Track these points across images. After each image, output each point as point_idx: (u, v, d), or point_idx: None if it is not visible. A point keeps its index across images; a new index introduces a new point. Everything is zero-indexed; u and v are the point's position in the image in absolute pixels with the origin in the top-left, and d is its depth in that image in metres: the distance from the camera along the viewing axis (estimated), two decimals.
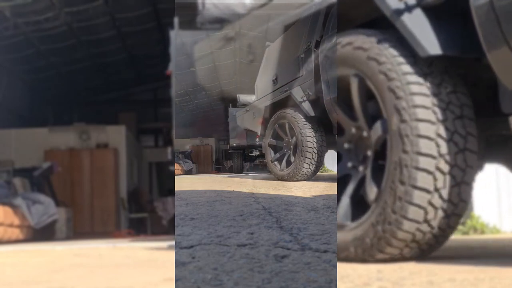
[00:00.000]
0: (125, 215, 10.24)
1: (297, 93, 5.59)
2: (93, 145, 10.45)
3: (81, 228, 9.07)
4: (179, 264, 1.48)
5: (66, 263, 3.08)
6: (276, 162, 6.27)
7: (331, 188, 4.34)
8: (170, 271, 1.97)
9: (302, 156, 5.41)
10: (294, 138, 5.70)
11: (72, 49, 11.58)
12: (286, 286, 1.22)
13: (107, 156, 10.25)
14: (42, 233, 6.79)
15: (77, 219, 8.68)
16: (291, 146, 5.89)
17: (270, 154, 6.43)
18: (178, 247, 1.74)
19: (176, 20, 11.61)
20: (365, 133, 1.76)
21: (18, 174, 7.56)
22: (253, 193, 4.14)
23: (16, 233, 6.28)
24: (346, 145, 1.89)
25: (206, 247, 1.74)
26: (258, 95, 7.64)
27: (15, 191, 6.92)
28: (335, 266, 1.40)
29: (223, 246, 1.75)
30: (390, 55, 1.59)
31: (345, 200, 1.80)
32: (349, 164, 1.85)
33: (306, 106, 5.46)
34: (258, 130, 7.33)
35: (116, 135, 10.62)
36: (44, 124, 11.58)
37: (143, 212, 10.16)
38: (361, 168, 1.80)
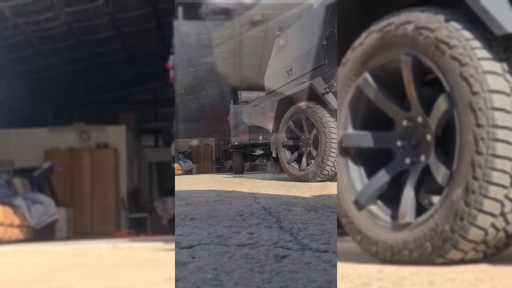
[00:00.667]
0: (125, 215, 10.24)
1: (319, 84, 5.11)
2: (93, 145, 10.45)
3: (81, 228, 9.07)
4: (179, 264, 1.48)
5: (66, 263, 3.08)
6: (293, 163, 5.86)
7: (331, 188, 4.34)
8: (170, 271, 1.97)
9: (326, 154, 5.01)
10: (314, 131, 5.31)
11: (72, 49, 11.59)
12: (286, 286, 1.22)
13: (107, 156, 10.25)
14: (42, 233, 6.79)
15: (77, 219, 8.68)
16: (310, 142, 5.53)
17: (286, 155, 6.02)
18: (178, 247, 1.74)
19: (180, 10, 11.45)
20: (420, 119, 1.59)
21: (18, 174, 7.56)
22: (253, 193, 4.14)
23: (16, 233, 6.28)
24: (399, 143, 1.68)
25: (206, 247, 1.74)
26: (268, 89, 7.17)
27: (15, 191, 6.93)
28: (335, 266, 1.40)
29: (223, 246, 1.75)
30: (463, 38, 1.42)
31: (409, 193, 1.60)
32: (407, 161, 1.66)
33: (330, 98, 4.96)
34: (269, 126, 6.88)
35: (116, 135, 10.62)
36: (44, 124, 11.59)
37: (143, 212, 10.18)
38: (422, 158, 1.61)
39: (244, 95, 11.79)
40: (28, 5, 9.15)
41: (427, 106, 1.56)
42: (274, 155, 7.41)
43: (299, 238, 1.87)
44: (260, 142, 10.89)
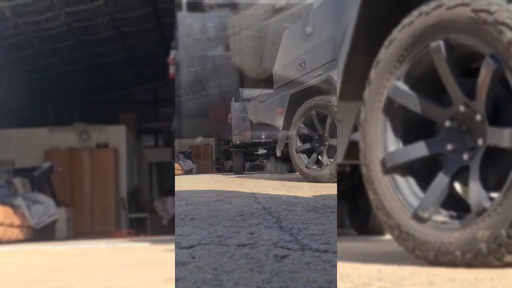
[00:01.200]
0: (125, 215, 10.24)
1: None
2: (93, 145, 10.45)
3: (81, 228, 9.07)
4: (179, 264, 1.48)
5: (66, 263, 3.08)
6: (302, 154, 5.55)
7: (331, 188, 4.34)
8: (170, 271, 1.97)
9: None
10: (334, 141, 5.04)
11: (72, 49, 11.59)
12: (286, 286, 1.22)
13: (107, 156, 10.25)
14: (42, 233, 6.79)
15: (77, 219, 8.68)
16: (326, 143, 5.30)
17: (296, 143, 5.67)
18: (178, 247, 1.74)
19: (184, 1, 11.23)
20: (479, 117, 1.43)
21: (18, 174, 7.56)
22: (253, 193, 4.14)
23: (16, 233, 6.27)
24: (447, 123, 1.52)
25: (206, 247, 1.74)
26: (278, 83, 6.78)
27: (15, 191, 6.92)
28: (335, 266, 1.40)
29: (223, 246, 1.75)
30: None
31: (443, 179, 1.48)
32: (449, 147, 1.52)
33: None
34: (278, 123, 6.48)
35: (116, 135, 10.62)
36: (44, 124, 11.59)
37: (143, 212, 10.18)
38: (465, 156, 1.47)
39: (245, 92, 11.48)
40: (28, 5, 9.15)
41: (492, 106, 1.43)
42: (278, 154, 7.18)
43: (299, 238, 1.87)
44: (263, 141, 10.60)
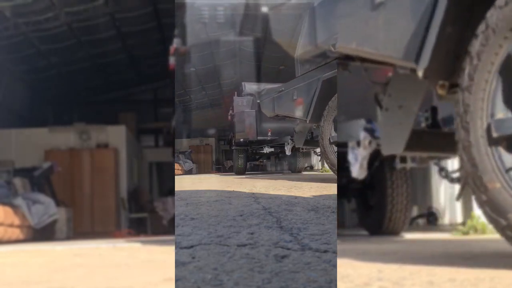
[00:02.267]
0: (125, 215, 10.24)
1: None
2: (93, 145, 10.45)
3: (81, 228, 9.06)
4: (179, 264, 1.48)
5: (66, 263, 3.07)
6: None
7: (331, 188, 4.34)
8: (170, 271, 1.97)
9: None
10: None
11: (72, 49, 11.59)
12: (286, 286, 1.22)
13: (107, 156, 10.25)
14: (42, 233, 6.79)
15: (77, 219, 8.67)
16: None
17: (334, 154, 4.85)
18: (178, 247, 1.74)
19: None
20: None
21: (18, 174, 7.56)
22: (253, 193, 4.14)
23: (16, 233, 6.27)
24: None
25: (206, 247, 1.73)
26: (301, 69, 5.92)
27: (15, 191, 6.92)
28: (335, 266, 1.40)
29: (223, 246, 1.74)
30: None
31: None
32: None
33: None
34: (301, 114, 5.74)
35: (116, 135, 10.61)
36: (44, 124, 11.58)
37: (143, 212, 10.18)
38: None
39: (248, 87, 10.90)
40: (28, 5, 9.14)
41: None
42: (288, 152, 6.50)
43: (299, 238, 1.87)
44: (269, 138, 9.98)
